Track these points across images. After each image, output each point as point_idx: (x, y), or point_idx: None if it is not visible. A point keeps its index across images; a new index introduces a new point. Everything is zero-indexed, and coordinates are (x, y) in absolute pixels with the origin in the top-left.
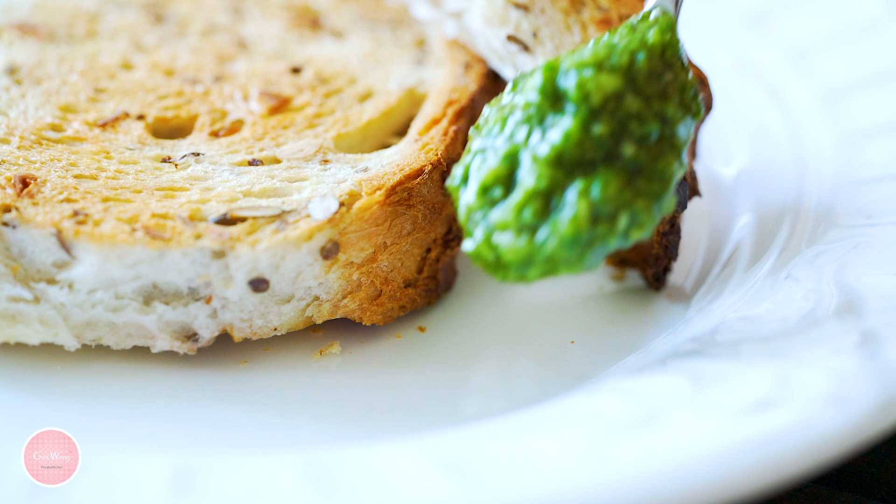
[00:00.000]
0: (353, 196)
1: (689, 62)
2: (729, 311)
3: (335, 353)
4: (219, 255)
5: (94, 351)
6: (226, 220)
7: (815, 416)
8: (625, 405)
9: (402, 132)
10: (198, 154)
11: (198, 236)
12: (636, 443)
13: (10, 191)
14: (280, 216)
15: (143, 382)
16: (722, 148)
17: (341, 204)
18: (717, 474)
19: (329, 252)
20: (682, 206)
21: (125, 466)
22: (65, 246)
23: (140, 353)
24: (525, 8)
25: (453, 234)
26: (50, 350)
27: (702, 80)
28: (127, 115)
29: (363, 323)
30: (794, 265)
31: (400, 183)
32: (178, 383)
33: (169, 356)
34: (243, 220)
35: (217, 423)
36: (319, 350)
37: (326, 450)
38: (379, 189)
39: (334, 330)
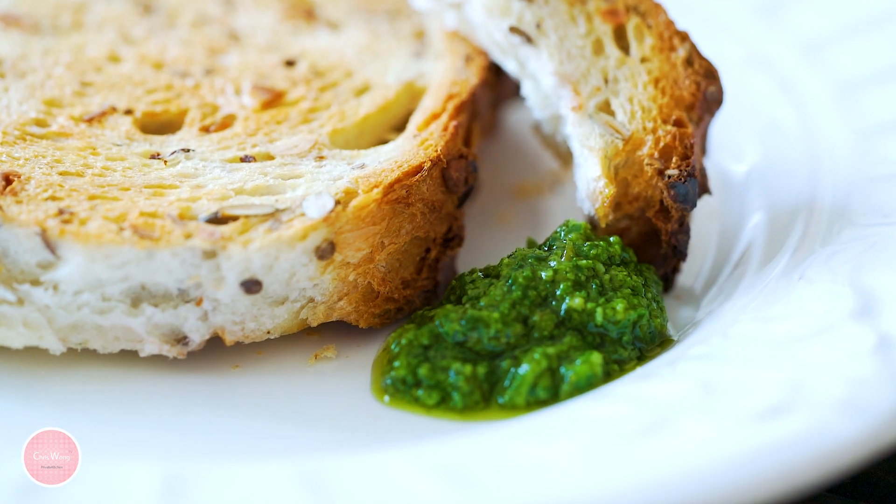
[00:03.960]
0: (350, 194)
1: (700, 56)
2: (740, 314)
3: (331, 357)
4: (210, 255)
5: (81, 355)
6: (217, 219)
7: (830, 423)
8: (632, 411)
9: (399, 127)
10: (188, 150)
11: (188, 236)
12: (644, 450)
13: None
14: (273, 215)
15: (131, 387)
16: (733, 144)
17: (337, 202)
18: (728, 483)
19: (324, 252)
20: (691, 204)
21: (112, 475)
22: (49, 246)
23: (128, 357)
24: None
25: (453, 234)
26: (34, 354)
27: (712, 74)
28: (114, 109)
29: (360, 326)
30: (807, 266)
31: (398, 180)
32: (167, 388)
33: (158, 360)
34: (235, 218)
35: (208, 429)
36: (314, 354)
37: (322, 457)
38: (376, 187)
39: (330, 333)
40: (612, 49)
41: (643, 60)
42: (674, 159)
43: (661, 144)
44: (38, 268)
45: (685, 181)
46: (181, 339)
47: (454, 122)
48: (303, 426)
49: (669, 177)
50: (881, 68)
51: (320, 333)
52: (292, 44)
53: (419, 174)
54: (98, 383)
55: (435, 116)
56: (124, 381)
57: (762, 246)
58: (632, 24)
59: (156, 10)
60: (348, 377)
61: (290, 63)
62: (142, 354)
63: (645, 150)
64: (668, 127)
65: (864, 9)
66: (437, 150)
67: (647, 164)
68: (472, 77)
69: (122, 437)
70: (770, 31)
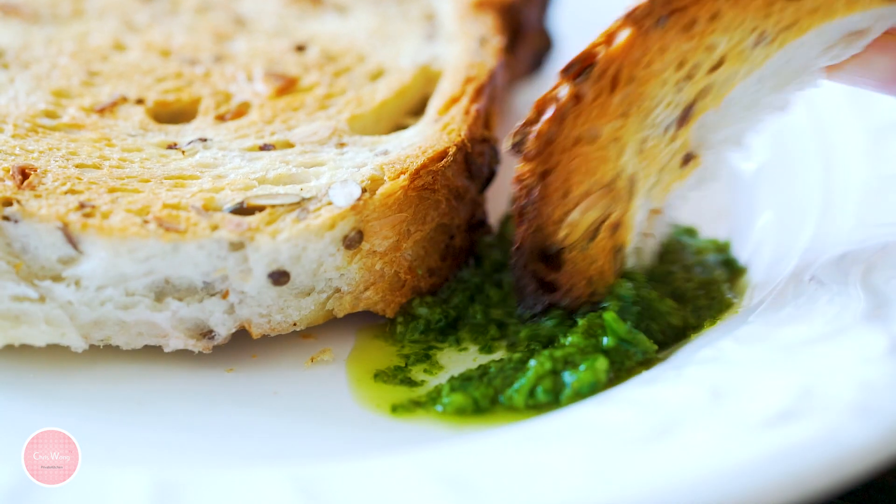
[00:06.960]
0: (376, 181)
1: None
2: (749, 316)
3: (327, 360)
4: (237, 246)
5: (71, 357)
6: (242, 210)
7: (841, 428)
8: (638, 416)
9: (415, 112)
10: (205, 139)
11: (214, 227)
12: (649, 457)
13: (9, 183)
14: (300, 204)
15: (124, 391)
16: None
17: (364, 190)
18: (736, 490)
19: (352, 241)
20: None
21: (103, 480)
22: (71, 240)
23: (120, 360)
24: None
25: (477, 219)
26: (24, 356)
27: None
28: (125, 99)
29: (386, 316)
30: (818, 267)
31: (424, 166)
32: (159, 392)
33: (150, 363)
34: (261, 208)
35: (201, 434)
36: (310, 357)
37: (318, 463)
38: (403, 173)
39: (326, 336)
40: None
41: None
42: None
43: None
44: (59, 263)
45: None
46: (207, 334)
47: (475, 106)
48: (298, 431)
49: None
50: None
51: (316, 336)
52: (300, 28)
53: (445, 159)
54: (90, 387)
55: (455, 100)
56: (117, 384)
57: (772, 246)
58: None
59: None
60: (345, 381)
61: (300, 48)
62: (166, 350)
63: None
64: None
65: None
66: (460, 135)
67: None
68: (488, 59)
69: (114, 441)
70: None
